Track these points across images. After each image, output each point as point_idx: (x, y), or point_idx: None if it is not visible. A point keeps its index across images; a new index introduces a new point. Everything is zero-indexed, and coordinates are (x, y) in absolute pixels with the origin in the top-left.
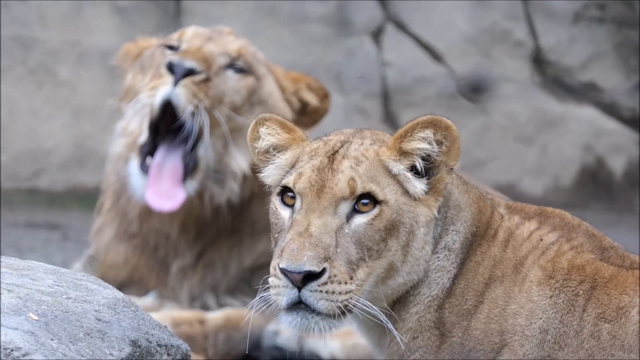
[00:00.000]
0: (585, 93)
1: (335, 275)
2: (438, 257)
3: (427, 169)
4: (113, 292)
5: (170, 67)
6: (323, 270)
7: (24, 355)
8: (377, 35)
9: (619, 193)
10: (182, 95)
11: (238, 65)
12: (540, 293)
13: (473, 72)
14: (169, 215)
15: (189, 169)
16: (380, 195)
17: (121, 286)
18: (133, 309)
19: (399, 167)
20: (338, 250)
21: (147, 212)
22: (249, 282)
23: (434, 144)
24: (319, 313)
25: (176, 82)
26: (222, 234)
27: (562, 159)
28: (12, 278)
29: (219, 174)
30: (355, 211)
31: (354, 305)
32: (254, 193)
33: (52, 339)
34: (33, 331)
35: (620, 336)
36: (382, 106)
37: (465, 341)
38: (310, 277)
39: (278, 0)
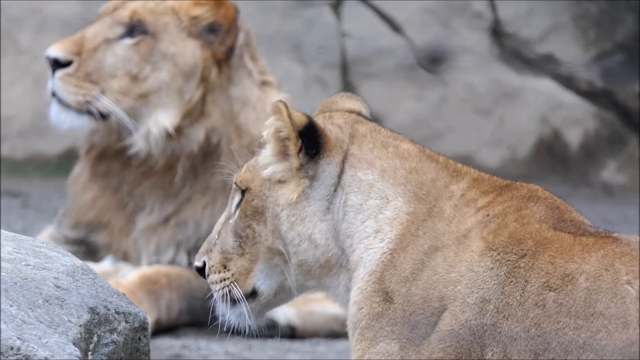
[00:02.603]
0: (543, 65)
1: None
2: (367, 235)
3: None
4: (72, 260)
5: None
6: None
7: None
8: (336, 5)
9: (574, 165)
10: (63, 89)
11: (134, 31)
12: (481, 264)
13: (432, 44)
14: (107, 155)
15: (93, 116)
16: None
17: (90, 229)
18: (92, 276)
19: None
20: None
21: (102, 153)
22: None
23: None
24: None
25: (53, 73)
26: (198, 191)
27: (519, 131)
28: None
29: (140, 128)
30: None
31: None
32: (221, 146)
33: (11, 305)
34: None
35: (567, 303)
36: (341, 77)
37: (406, 306)
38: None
39: None
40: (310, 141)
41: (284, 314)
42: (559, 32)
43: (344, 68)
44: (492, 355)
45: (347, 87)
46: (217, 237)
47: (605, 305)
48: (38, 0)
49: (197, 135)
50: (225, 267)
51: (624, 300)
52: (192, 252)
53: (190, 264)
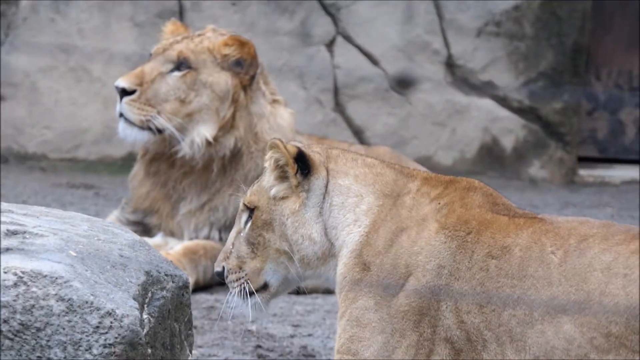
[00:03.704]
0: (485, 89)
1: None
2: (348, 224)
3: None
4: (132, 235)
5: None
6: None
7: (66, 282)
8: (330, 45)
9: (508, 164)
10: (130, 111)
11: (181, 66)
12: (437, 239)
13: (401, 73)
14: (158, 159)
15: (152, 131)
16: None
17: (145, 214)
18: (147, 247)
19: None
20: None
21: (154, 156)
22: None
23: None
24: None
25: (120, 99)
26: (226, 183)
27: (467, 138)
28: (57, 224)
29: (186, 138)
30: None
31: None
32: (242, 150)
33: (86, 270)
34: (72, 264)
35: (505, 268)
36: (333, 98)
37: (380, 273)
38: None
39: (256, 18)
40: (302, 164)
41: None
42: (496, 64)
43: (336, 92)
44: (446, 307)
45: (338, 106)
46: (231, 247)
47: (535, 269)
48: (106, 42)
49: (228, 143)
50: (240, 269)
51: (549, 265)
52: (222, 229)
53: (220, 239)
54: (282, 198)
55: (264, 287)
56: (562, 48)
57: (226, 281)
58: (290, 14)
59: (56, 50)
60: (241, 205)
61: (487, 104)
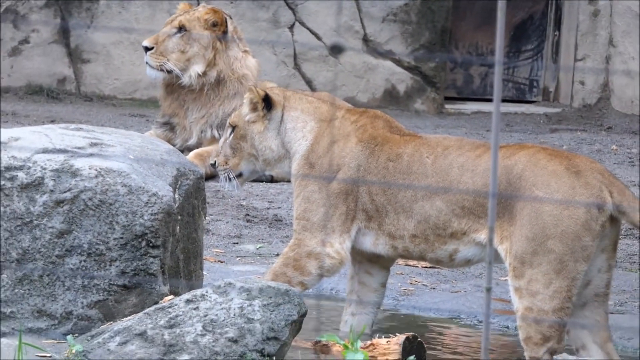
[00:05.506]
0: (387, 55)
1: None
2: (298, 139)
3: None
4: (168, 146)
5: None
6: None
7: (127, 174)
8: (291, 28)
9: (402, 102)
10: (150, 60)
11: (180, 30)
12: (356, 148)
13: (335, 44)
14: (172, 86)
15: (164, 72)
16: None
17: (170, 117)
18: (177, 153)
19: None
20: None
21: (168, 83)
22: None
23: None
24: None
25: (145, 53)
26: (216, 99)
27: (376, 85)
28: (121, 139)
29: (185, 74)
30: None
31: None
32: (224, 77)
33: (140, 167)
34: (131, 164)
35: (399, 167)
36: (293, 61)
37: (320, 169)
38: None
39: (245, 10)
40: (266, 102)
41: None
42: (394, 40)
43: (295, 57)
44: (362, 191)
45: (296, 66)
46: (221, 149)
47: (417, 168)
48: (152, 25)
49: (212, 74)
50: (226, 163)
51: (425, 166)
52: (217, 127)
53: (213, 136)
54: (253, 122)
55: (240, 175)
56: (434, 30)
57: (216, 170)
58: (267, 8)
59: (122, 31)
60: (227, 124)
61: (389, 64)
